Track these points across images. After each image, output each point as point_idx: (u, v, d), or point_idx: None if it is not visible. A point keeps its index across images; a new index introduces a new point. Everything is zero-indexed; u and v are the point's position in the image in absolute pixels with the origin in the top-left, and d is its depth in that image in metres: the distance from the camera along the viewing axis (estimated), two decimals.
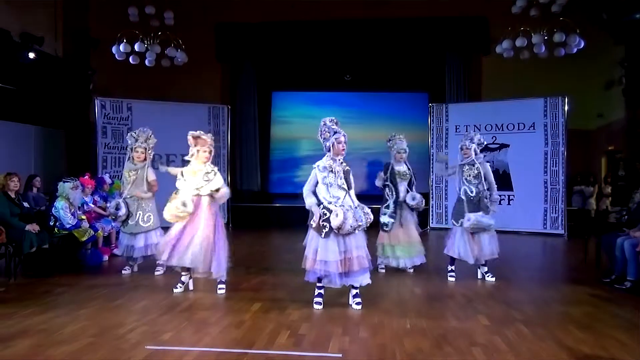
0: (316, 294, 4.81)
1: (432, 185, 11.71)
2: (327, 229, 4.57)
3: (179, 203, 5.12)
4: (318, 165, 4.71)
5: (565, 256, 8.80)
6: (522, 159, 10.97)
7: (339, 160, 4.72)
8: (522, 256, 8.49)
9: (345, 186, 4.66)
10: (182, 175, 5.36)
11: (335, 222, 4.48)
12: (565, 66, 11.86)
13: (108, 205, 6.70)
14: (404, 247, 6.35)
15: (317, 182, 4.71)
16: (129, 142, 6.34)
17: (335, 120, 4.76)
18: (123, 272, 6.40)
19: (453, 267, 6.11)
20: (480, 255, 5.93)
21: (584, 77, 12.49)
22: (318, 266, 4.59)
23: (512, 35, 10.32)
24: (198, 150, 5.33)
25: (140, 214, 6.27)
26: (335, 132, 4.70)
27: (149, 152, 6.36)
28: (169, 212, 5.19)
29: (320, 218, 4.60)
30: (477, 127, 11.27)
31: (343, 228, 4.48)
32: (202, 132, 5.38)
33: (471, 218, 5.81)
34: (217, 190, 5.33)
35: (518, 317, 4.49)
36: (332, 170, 4.65)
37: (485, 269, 6.09)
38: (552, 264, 8.18)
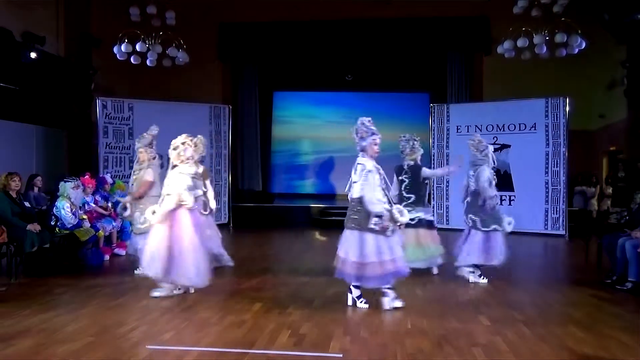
0: (357, 294, 4.78)
1: (433, 186, 11.69)
2: (391, 227, 4.59)
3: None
4: (370, 171, 4.60)
5: (566, 257, 8.79)
6: (523, 159, 10.94)
7: None
8: (523, 257, 8.46)
9: (384, 186, 4.71)
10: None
11: (403, 218, 4.55)
12: (567, 67, 11.85)
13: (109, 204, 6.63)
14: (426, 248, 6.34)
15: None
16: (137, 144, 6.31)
17: (371, 121, 4.79)
18: (136, 272, 6.08)
19: (477, 269, 5.97)
20: (497, 256, 5.83)
21: (586, 78, 12.48)
22: (391, 266, 4.58)
23: (514, 35, 10.30)
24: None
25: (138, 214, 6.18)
26: (372, 133, 4.73)
27: (150, 152, 6.32)
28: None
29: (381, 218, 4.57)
30: (479, 127, 11.25)
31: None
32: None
33: (512, 221, 5.86)
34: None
35: (519, 317, 4.49)
36: (379, 172, 4.70)
37: (479, 272, 6.01)
38: (553, 265, 8.17)
